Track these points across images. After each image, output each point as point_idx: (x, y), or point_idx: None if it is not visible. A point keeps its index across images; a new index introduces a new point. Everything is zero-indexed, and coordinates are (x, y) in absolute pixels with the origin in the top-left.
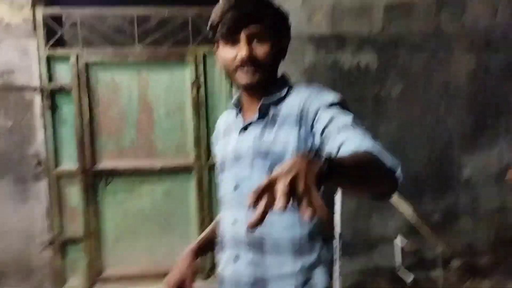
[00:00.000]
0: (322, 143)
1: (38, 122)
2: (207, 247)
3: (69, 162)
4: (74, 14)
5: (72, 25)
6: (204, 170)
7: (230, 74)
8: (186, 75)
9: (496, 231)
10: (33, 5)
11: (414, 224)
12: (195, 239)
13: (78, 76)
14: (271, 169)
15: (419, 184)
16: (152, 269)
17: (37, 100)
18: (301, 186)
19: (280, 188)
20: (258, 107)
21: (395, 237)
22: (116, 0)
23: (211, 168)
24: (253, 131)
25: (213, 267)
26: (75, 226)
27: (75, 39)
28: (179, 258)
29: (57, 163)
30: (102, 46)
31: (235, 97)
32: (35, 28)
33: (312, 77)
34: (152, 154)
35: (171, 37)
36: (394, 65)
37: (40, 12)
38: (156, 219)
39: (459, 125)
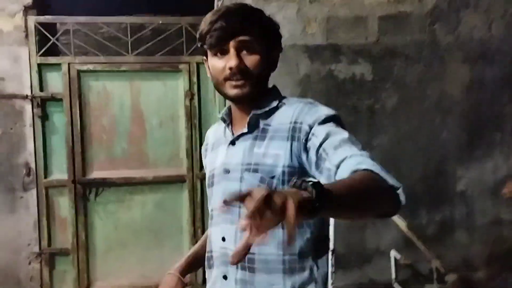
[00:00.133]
0: (318, 159)
1: (28, 131)
2: (196, 264)
3: (59, 172)
4: (67, 22)
5: (65, 33)
6: (197, 181)
7: (218, 86)
8: (179, 84)
9: (492, 244)
10: (25, 13)
11: (409, 237)
12: (187, 251)
13: (70, 84)
14: (261, 183)
15: (413, 196)
16: (142, 282)
17: (28, 108)
18: (288, 224)
19: (265, 226)
20: (247, 119)
21: (390, 251)
22: (110, 8)
23: (204, 179)
24: (243, 144)
25: (204, 281)
26: (64, 238)
27: (68, 47)
28: (164, 278)
29: (47, 173)
30: (95, 55)
31: (224, 109)
32: (27, 36)
33: (307, 88)
34: (144, 165)
35: (165, 46)
36: (389, 76)
37: (32, 20)
38: (148, 231)
39: (454, 137)
